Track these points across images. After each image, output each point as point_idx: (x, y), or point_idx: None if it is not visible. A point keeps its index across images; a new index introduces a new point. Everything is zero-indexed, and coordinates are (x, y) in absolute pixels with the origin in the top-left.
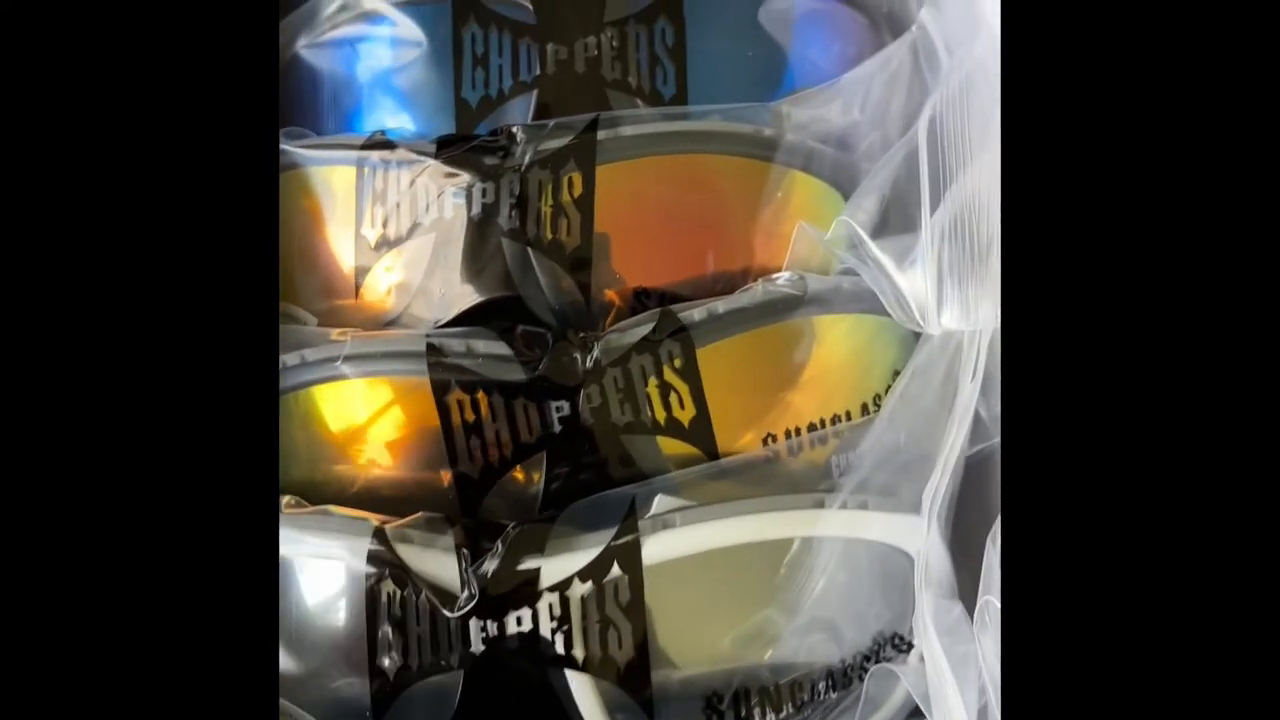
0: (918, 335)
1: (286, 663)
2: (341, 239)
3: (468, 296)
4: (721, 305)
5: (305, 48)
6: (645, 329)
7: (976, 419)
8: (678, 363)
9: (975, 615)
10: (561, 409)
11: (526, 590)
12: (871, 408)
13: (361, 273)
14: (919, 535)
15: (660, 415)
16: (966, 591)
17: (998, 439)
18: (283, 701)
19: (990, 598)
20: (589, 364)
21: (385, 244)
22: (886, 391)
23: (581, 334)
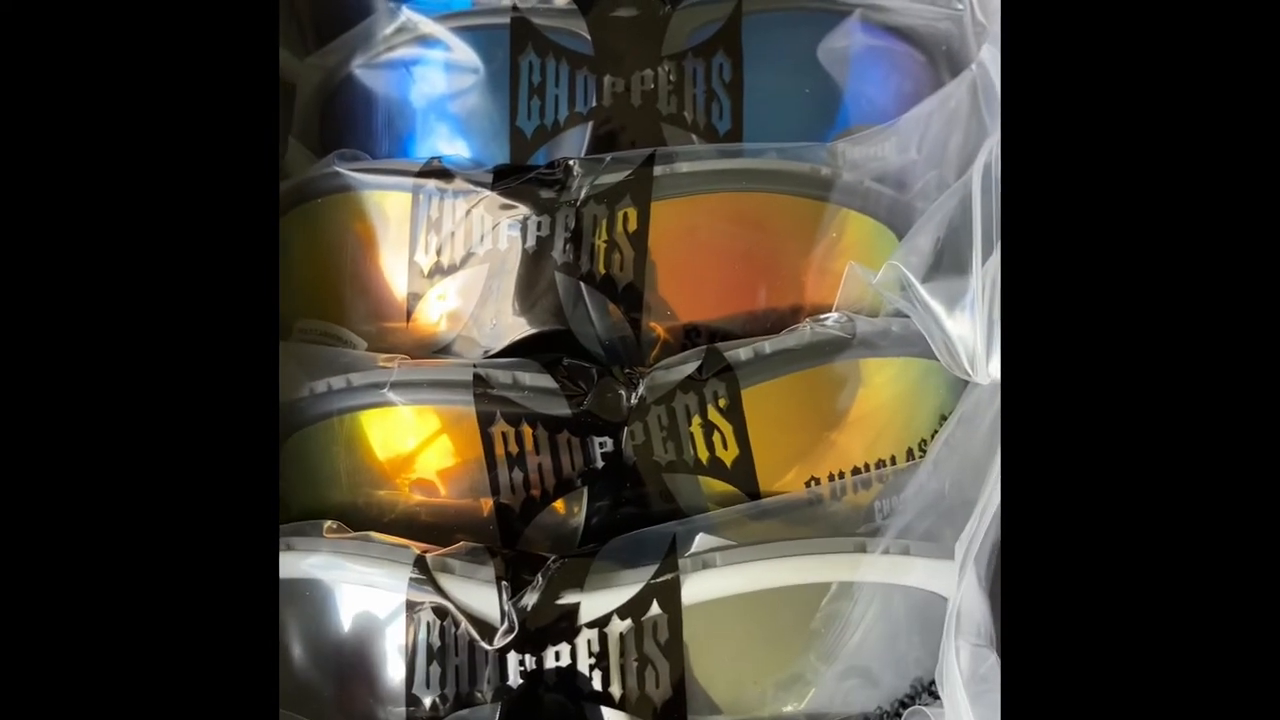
0: (966, 381)
1: (323, 689)
2: (394, 264)
3: (519, 328)
4: (768, 345)
5: (360, 68)
6: (691, 367)
7: None
8: (722, 402)
9: None
10: (605, 445)
11: (565, 625)
12: (917, 453)
13: (414, 299)
14: (961, 582)
15: (703, 454)
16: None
17: None
18: None
19: None
20: (634, 401)
21: (439, 271)
22: (933, 437)
23: (627, 370)
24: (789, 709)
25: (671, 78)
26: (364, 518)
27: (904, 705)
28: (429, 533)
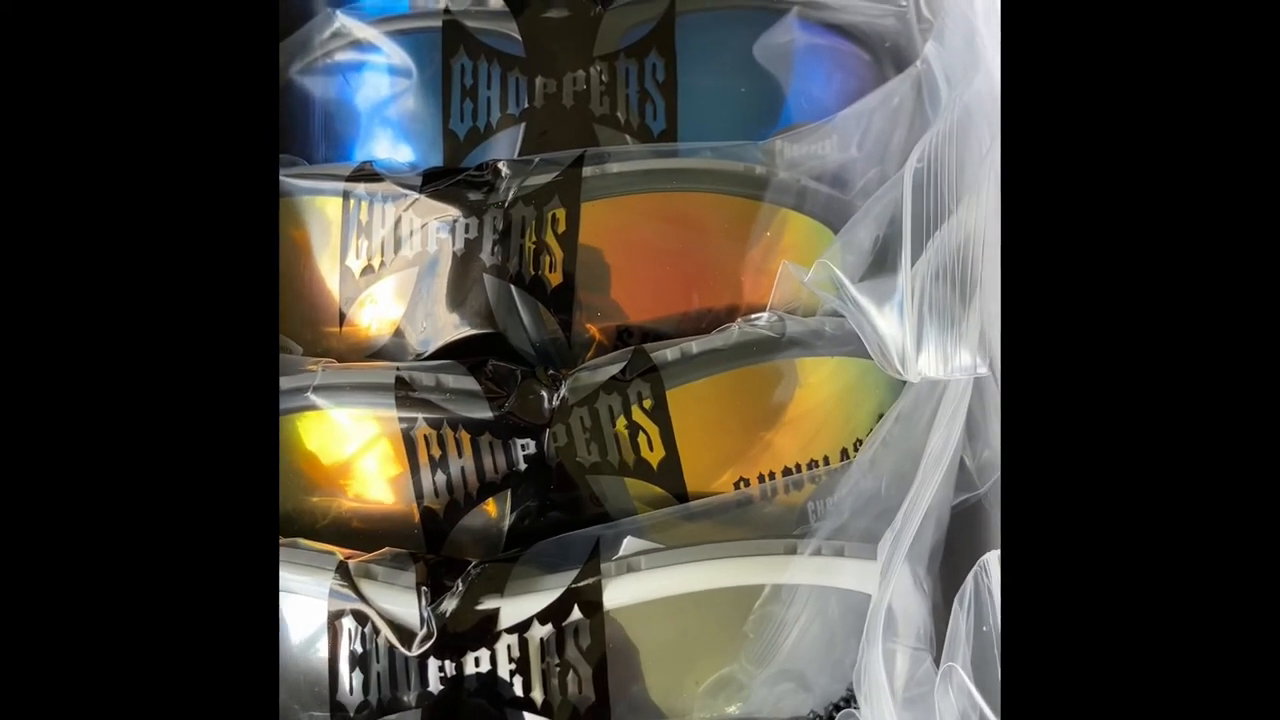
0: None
1: None
2: (328, 269)
3: (450, 331)
4: (696, 345)
5: (299, 74)
6: (616, 368)
7: (962, 468)
8: (647, 403)
9: (939, 677)
10: (527, 447)
11: (485, 631)
12: (853, 453)
13: (347, 302)
14: (883, 583)
15: (629, 456)
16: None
17: (983, 489)
18: None
19: (954, 664)
20: (555, 402)
21: (369, 274)
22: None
23: (551, 372)
24: (723, 712)
25: (604, 78)
26: (295, 526)
27: (837, 709)
28: (360, 539)
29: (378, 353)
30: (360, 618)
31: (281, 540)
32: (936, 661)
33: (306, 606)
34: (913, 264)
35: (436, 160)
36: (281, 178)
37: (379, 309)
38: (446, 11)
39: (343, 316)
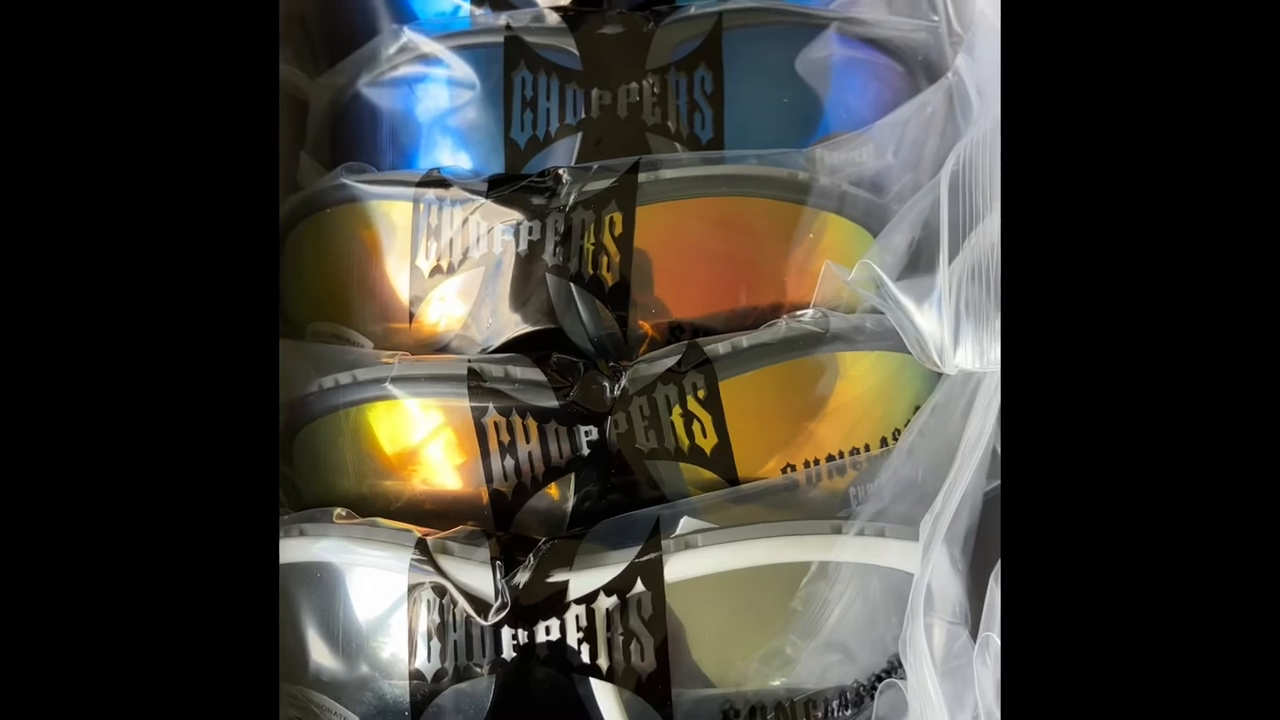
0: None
1: (334, 665)
2: (398, 268)
3: (514, 326)
4: (745, 340)
5: (366, 86)
6: (671, 360)
7: (994, 457)
8: (701, 393)
9: (976, 648)
10: (590, 433)
11: (555, 602)
12: (892, 441)
13: (416, 301)
14: (924, 562)
15: (684, 442)
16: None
17: None
18: (328, 700)
19: (990, 634)
20: (616, 392)
21: (439, 274)
22: (907, 426)
23: (611, 364)
24: (771, 683)
25: (655, 90)
26: (372, 507)
27: (879, 679)
28: (432, 520)
29: (444, 348)
30: (439, 590)
31: (360, 519)
32: (972, 636)
33: (387, 580)
34: (949, 263)
35: (496, 167)
36: (352, 183)
37: (446, 306)
38: (508, 28)
39: (412, 314)
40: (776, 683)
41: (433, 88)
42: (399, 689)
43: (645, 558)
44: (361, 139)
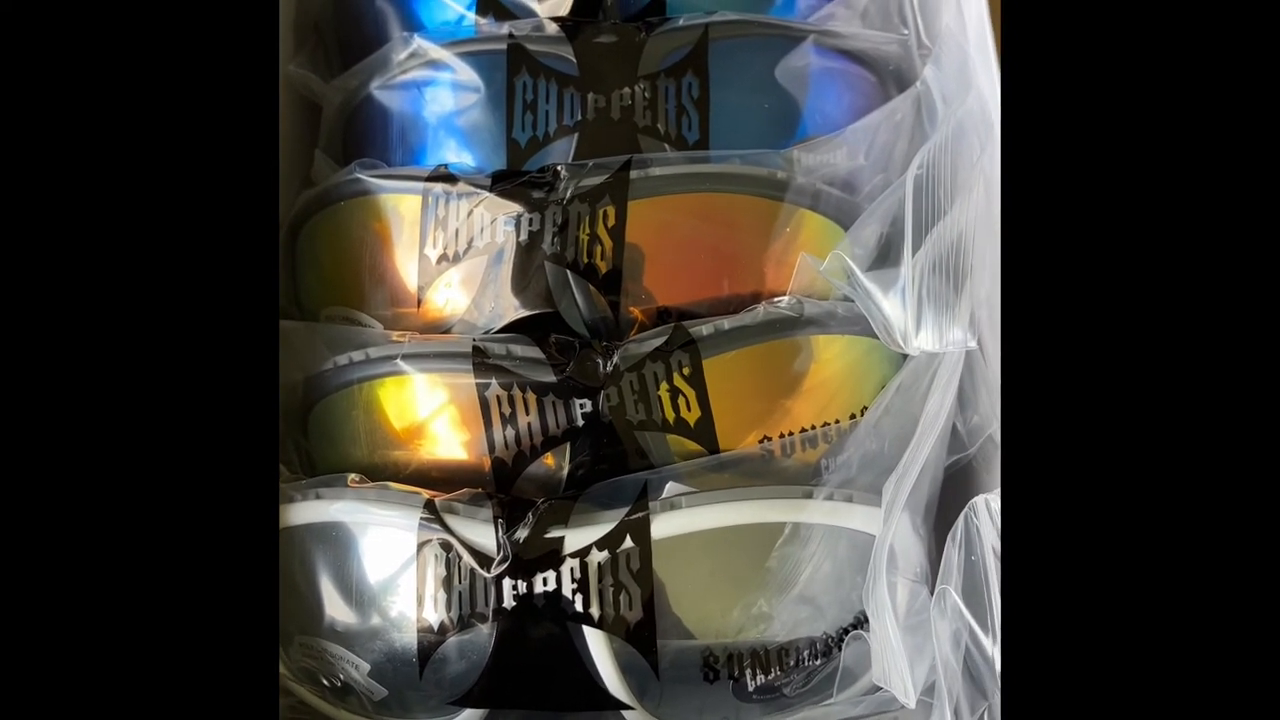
0: (906, 355)
1: (347, 617)
2: (407, 257)
3: (514, 310)
4: (727, 322)
5: (378, 89)
6: (659, 341)
7: (954, 433)
8: (686, 371)
9: (934, 600)
10: (585, 406)
11: (552, 556)
12: (860, 417)
13: (424, 287)
14: (886, 522)
15: (670, 415)
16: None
17: (972, 450)
18: (342, 649)
19: (947, 587)
20: (609, 369)
21: (445, 262)
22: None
23: (605, 343)
24: (748, 634)
25: (647, 95)
26: (382, 474)
27: (846, 632)
28: (438, 485)
29: (449, 330)
30: (445, 545)
31: (372, 484)
32: (932, 593)
33: (397, 537)
34: (913, 256)
35: (499, 164)
36: (365, 177)
37: (451, 292)
38: (510, 36)
39: (420, 299)
40: (752, 634)
41: (440, 90)
42: (408, 638)
43: (634, 516)
44: (373, 138)
